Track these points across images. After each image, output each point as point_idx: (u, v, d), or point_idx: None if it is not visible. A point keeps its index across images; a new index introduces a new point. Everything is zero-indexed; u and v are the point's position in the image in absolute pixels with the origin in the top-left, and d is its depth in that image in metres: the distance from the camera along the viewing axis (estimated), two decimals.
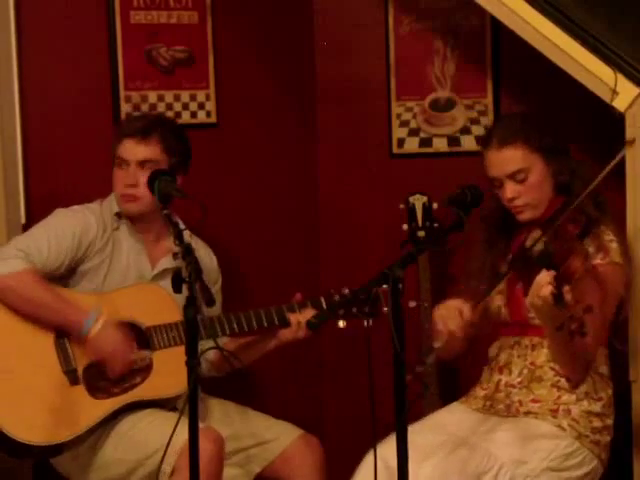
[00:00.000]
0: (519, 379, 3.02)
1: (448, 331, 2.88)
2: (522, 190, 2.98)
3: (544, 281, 2.61)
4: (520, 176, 2.98)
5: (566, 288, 2.56)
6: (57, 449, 3.09)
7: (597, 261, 2.90)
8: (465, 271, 3.18)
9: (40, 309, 3.07)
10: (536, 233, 2.82)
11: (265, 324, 3.22)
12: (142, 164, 3.15)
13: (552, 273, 2.60)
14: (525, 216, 3.01)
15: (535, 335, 3.00)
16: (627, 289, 2.96)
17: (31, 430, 3.01)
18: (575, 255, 2.74)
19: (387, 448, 2.67)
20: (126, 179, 3.17)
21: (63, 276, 3.18)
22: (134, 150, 3.17)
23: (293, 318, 3.21)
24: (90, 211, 3.22)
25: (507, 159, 2.98)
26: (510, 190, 2.99)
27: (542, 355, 2.99)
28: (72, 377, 3.09)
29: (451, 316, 2.90)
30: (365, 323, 2.48)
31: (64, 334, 3.10)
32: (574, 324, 2.50)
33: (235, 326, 3.19)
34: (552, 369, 2.98)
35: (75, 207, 3.24)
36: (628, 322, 3.01)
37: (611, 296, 2.89)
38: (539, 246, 2.65)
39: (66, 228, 3.14)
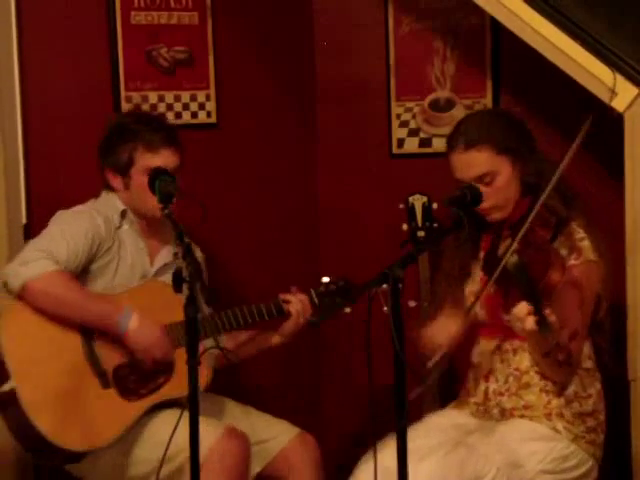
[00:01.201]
0: (506, 386, 3.01)
1: (438, 346, 2.90)
2: (489, 192, 2.94)
3: (523, 313, 2.59)
4: (486, 179, 2.94)
5: (548, 311, 2.55)
6: (86, 454, 3.07)
7: (571, 262, 2.88)
8: (437, 273, 3.18)
9: (75, 310, 3.06)
10: (508, 242, 2.80)
11: (264, 317, 3.23)
12: (176, 171, 3.18)
13: (527, 306, 2.57)
14: (493, 217, 2.98)
15: (514, 338, 2.98)
16: (604, 285, 2.94)
17: (68, 435, 3.00)
18: (553, 267, 2.73)
19: (383, 450, 2.68)
20: None
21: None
22: (172, 159, 3.17)
23: (291, 309, 3.23)
24: (95, 211, 3.22)
25: (473, 162, 2.94)
26: None
27: (525, 359, 2.98)
28: (104, 380, 3.09)
29: (439, 332, 2.93)
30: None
31: (90, 336, 3.09)
32: (561, 354, 2.49)
33: (233, 322, 3.20)
34: (538, 373, 2.97)
35: (78, 207, 3.23)
36: (607, 318, 3.00)
37: (589, 295, 2.88)
38: (513, 258, 2.63)
39: (79, 228, 3.13)
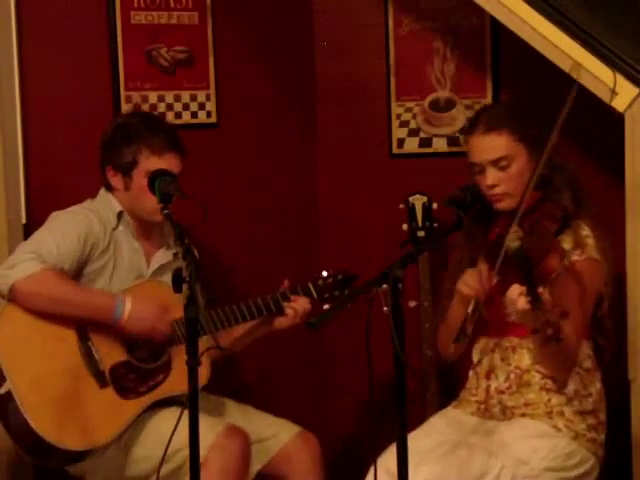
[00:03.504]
0: (507, 384, 3.01)
1: (475, 290, 2.87)
2: (503, 178, 2.96)
3: (515, 295, 2.60)
4: (503, 163, 2.96)
5: (541, 289, 2.56)
6: (86, 454, 3.08)
7: (575, 257, 2.89)
8: (448, 268, 3.18)
9: (69, 306, 3.05)
10: (514, 228, 2.82)
11: (263, 313, 3.24)
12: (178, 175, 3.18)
13: (520, 287, 2.58)
14: (502, 205, 2.98)
15: (513, 336, 3.00)
16: (606, 284, 2.95)
17: (67, 435, 3.00)
18: (552, 254, 2.74)
19: (388, 456, 2.69)
20: None
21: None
22: (176, 162, 3.17)
23: (289, 309, 3.24)
24: (90, 212, 3.21)
25: (492, 145, 2.96)
26: (491, 177, 2.97)
27: (525, 358, 2.99)
28: (101, 379, 3.09)
29: (473, 279, 2.90)
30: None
31: (86, 336, 3.09)
32: (550, 330, 2.50)
33: (236, 318, 3.21)
34: (538, 372, 2.98)
35: (73, 208, 3.23)
36: (608, 317, 3.00)
37: (590, 292, 2.88)
38: (516, 243, 2.65)
39: (71, 230, 3.13)
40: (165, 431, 2.95)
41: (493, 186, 2.97)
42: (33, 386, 3.01)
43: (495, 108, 3.16)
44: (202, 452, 2.78)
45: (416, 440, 2.81)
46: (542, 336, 2.51)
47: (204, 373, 3.12)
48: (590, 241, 2.94)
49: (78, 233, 3.13)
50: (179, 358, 3.13)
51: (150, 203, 3.11)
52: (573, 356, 2.91)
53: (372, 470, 2.74)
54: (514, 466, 2.83)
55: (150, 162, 3.15)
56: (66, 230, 3.12)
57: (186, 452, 2.84)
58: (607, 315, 2.98)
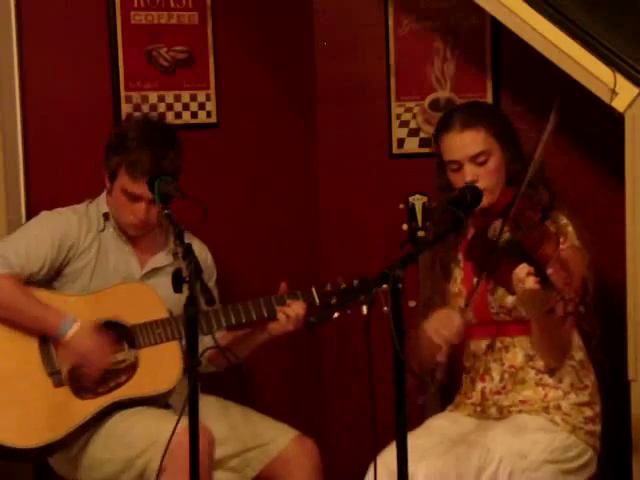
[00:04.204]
0: (502, 384, 3.02)
1: (445, 340, 2.87)
2: (482, 173, 2.99)
3: (523, 274, 2.63)
4: (481, 159, 2.99)
5: (549, 270, 2.57)
6: (46, 451, 3.09)
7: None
8: (419, 272, 3.18)
9: (17, 314, 3.08)
10: (497, 223, 2.82)
11: (253, 318, 3.22)
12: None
13: (527, 266, 2.59)
14: (482, 202, 2.98)
15: (504, 335, 3.01)
16: (588, 269, 2.93)
17: (18, 434, 3.01)
18: (547, 242, 2.75)
19: (389, 453, 2.68)
20: None
21: (48, 279, 3.18)
22: (147, 193, 3.13)
23: (281, 314, 3.20)
24: (73, 212, 3.22)
25: (470, 141, 3.00)
26: (470, 173, 2.99)
27: (518, 356, 3.00)
28: (56, 379, 3.10)
29: (443, 325, 2.91)
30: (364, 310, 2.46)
31: (49, 337, 3.11)
32: (570, 306, 2.51)
33: (232, 319, 3.20)
34: (533, 368, 2.99)
35: (59, 209, 3.24)
36: (591, 302, 2.99)
37: (576, 279, 2.88)
38: (505, 236, 2.66)
39: (45, 233, 3.14)
40: (126, 434, 2.98)
41: (472, 182, 2.98)
42: None
43: (468, 107, 3.18)
44: (160, 457, 2.80)
45: (416, 438, 2.82)
46: (561, 314, 2.52)
47: (174, 374, 3.11)
48: (570, 229, 2.97)
49: (52, 236, 3.14)
50: (147, 360, 3.13)
51: (123, 217, 3.18)
52: (569, 342, 2.93)
53: (372, 467, 2.74)
54: (513, 460, 2.83)
55: (124, 181, 3.13)
56: (39, 234, 3.14)
57: (150, 454, 2.89)
58: (591, 300, 2.98)
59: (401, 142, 3.91)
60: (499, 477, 2.80)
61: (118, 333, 3.17)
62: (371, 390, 2.48)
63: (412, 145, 3.90)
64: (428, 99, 3.87)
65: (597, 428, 3.00)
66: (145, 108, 3.68)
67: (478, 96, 3.76)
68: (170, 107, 3.75)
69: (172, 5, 3.75)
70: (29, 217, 3.50)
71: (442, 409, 3.25)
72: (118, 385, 3.14)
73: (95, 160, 3.29)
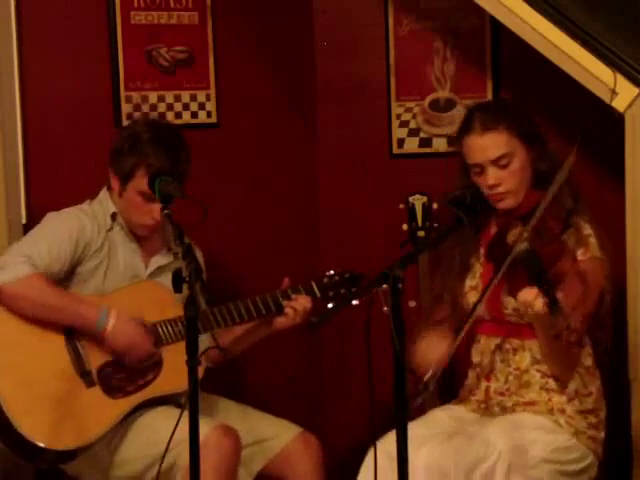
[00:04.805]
0: (507, 386, 3.02)
1: (434, 363, 2.87)
2: (505, 176, 2.95)
3: (531, 297, 2.61)
4: (503, 161, 2.94)
5: (560, 295, 2.56)
6: (73, 453, 3.07)
7: (578, 257, 2.88)
8: (438, 268, 3.18)
9: (53, 312, 3.06)
10: (518, 229, 2.80)
11: (262, 313, 3.23)
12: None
13: (534, 289, 2.58)
14: (505, 204, 2.97)
15: (514, 337, 2.99)
16: (607, 280, 2.93)
17: (49, 434, 2.99)
18: (563, 258, 2.73)
19: (389, 441, 2.66)
20: None
21: (62, 279, 3.17)
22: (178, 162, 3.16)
23: (289, 308, 3.22)
24: (83, 213, 3.21)
25: (491, 144, 2.94)
26: (493, 176, 2.95)
27: (525, 359, 2.99)
28: (87, 379, 3.09)
29: (431, 350, 2.92)
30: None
31: (73, 336, 3.10)
32: (573, 335, 2.50)
33: (233, 317, 3.20)
34: (538, 371, 2.98)
35: (67, 209, 3.23)
36: (609, 312, 2.99)
37: (594, 291, 2.86)
38: (523, 245, 2.64)
39: (62, 230, 3.13)
40: (154, 432, 2.96)
41: (495, 186, 2.95)
42: (19, 389, 3.01)
43: (486, 107, 3.11)
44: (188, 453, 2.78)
45: (416, 428, 2.82)
46: (564, 342, 2.51)
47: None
48: (592, 240, 2.94)
49: (70, 235, 3.13)
50: (171, 357, 3.13)
51: (136, 218, 3.17)
52: (578, 356, 2.92)
53: (372, 452, 2.73)
54: (511, 455, 2.82)
55: (144, 183, 3.11)
56: (58, 232, 3.13)
57: (177, 451, 2.85)
58: (609, 310, 2.98)
59: (401, 142, 3.91)
60: (497, 470, 2.79)
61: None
62: (371, 390, 2.48)
63: (412, 145, 3.90)
64: (428, 99, 3.87)
65: (600, 435, 2.99)
66: (145, 108, 3.69)
67: (478, 96, 3.77)
68: (170, 107, 3.76)
69: (172, 5, 3.75)
70: (29, 217, 3.50)
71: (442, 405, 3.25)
72: (147, 383, 3.14)
73: (95, 160, 3.29)
